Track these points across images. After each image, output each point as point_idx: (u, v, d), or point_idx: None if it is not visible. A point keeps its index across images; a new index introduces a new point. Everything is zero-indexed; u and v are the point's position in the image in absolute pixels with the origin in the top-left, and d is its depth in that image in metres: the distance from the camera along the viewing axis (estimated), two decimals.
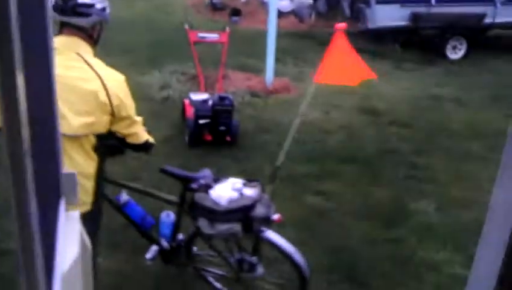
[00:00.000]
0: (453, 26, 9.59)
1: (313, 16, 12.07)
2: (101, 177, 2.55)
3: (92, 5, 2.40)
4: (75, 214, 1.50)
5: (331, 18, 11.66)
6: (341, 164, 5.05)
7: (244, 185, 2.79)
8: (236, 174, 4.77)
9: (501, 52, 10.28)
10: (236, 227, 2.67)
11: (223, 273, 3.08)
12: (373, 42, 10.35)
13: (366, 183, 4.75)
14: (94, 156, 2.44)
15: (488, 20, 9.71)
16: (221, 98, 5.29)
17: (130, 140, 2.58)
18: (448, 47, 9.61)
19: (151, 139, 2.68)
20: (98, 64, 2.42)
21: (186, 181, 2.87)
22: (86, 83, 2.35)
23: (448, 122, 6.57)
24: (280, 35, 7.68)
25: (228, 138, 5.24)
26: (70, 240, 1.36)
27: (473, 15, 9.61)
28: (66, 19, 2.38)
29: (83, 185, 2.36)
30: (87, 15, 2.38)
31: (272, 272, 3.02)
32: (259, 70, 8.13)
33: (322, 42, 10.63)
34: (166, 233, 3.04)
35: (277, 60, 7.68)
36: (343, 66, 3.52)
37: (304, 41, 10.53)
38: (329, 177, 4.78)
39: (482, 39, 10.15)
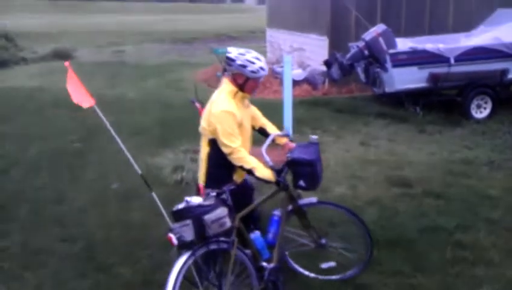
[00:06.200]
0: (474, 84, 9.18)
1: (327, 83, 11.81)
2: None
3: (233, 60, 3.58)
4: None
5: (344, 84, 11.39)
6: (379, 249, 4.46)
7: None
8: None
9: None
10: None
11: None
12: (392, 106, 9.97)
13: (411, 272, 4.13)
14: (208, 149, 3.71)
15: (511, 76, 9.30)
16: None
17: (229, 157, 3.59)
18: (473, 106, 9.16)
19: (247, 166, 3.57)
20: (220, 96, 3.64)
21: None
22: (209, 104, 3.72)
23: (487, 189, 6.00)
24: (295, 104, 7.30)
25: None
26: None
27: (494, 71, 9.22)
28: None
29: (202, 166, 3.77)
30: (230, 65, 3.62)
31: None
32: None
33: (339, 109, 10.31)
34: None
35: (294, 130, 7.26)
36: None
37: (319, 109, 10.18)
38: (367, 267, 4.19)
39: (507, 95, 9.69)
